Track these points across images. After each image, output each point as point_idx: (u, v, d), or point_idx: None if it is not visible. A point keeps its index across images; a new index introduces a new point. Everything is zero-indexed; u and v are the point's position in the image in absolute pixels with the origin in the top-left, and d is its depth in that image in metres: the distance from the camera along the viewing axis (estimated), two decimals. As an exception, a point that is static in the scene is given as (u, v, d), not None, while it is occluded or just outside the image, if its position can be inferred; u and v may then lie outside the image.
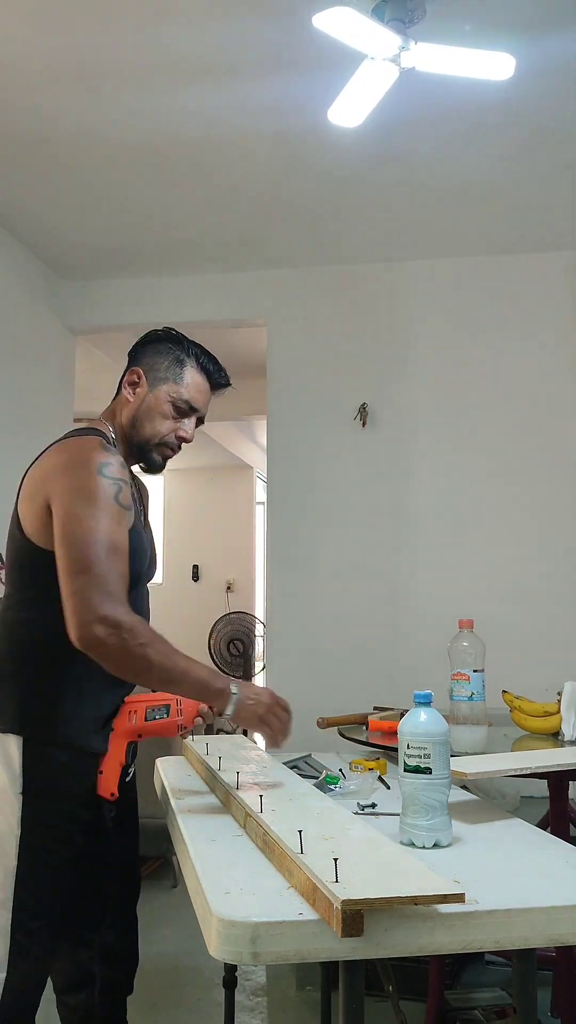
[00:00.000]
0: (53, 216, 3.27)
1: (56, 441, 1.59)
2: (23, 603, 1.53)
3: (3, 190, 3.05)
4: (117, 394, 1.67)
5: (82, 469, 1.48)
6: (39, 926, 1.42)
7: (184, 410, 1.63)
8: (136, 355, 1.67)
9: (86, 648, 1.38)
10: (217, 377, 1.68)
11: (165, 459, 1.66)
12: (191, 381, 1.64)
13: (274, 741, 1.50)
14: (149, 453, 1.64)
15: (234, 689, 1.45)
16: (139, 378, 1.63)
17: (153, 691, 1.51)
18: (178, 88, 2.47)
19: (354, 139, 2.60)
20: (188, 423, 1.64)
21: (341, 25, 1.91)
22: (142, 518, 1.64)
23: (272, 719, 1.48)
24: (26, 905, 1.41)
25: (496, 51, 2.03)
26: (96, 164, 2.88)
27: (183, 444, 1.66)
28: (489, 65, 2.06)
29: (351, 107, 2.22)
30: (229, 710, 1.44)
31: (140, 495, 1.71)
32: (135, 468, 1.68)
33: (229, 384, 1.71)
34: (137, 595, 1.59)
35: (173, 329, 1.69)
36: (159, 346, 1.65)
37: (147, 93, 2.49)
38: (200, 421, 1.68)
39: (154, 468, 1.67)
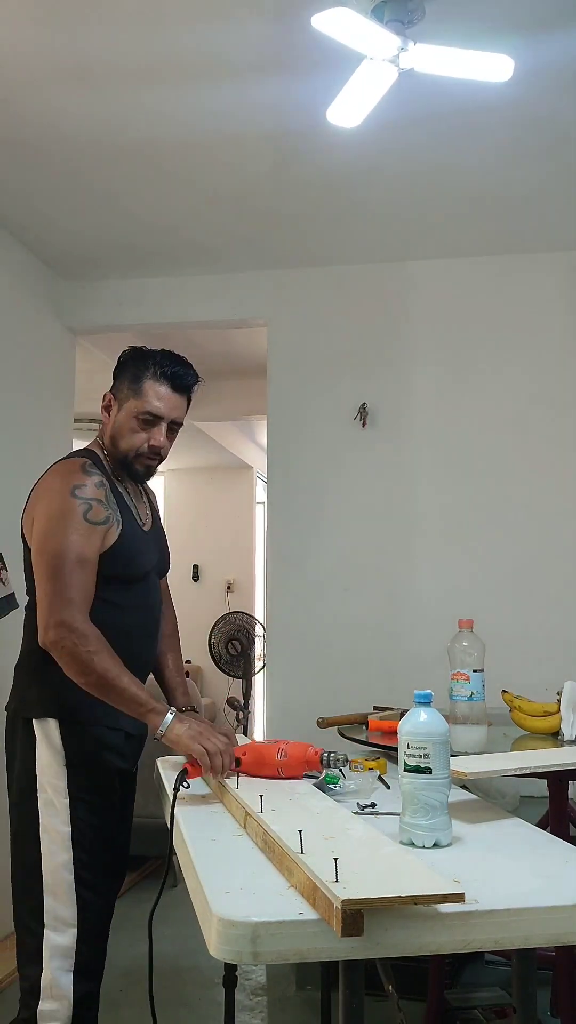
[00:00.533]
0: (53, 216, 3.26)
1: (56, 462, 1.82)
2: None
3: (3, 190, 3.05)
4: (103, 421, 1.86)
5: (57, 492, 1.70)
6: (98, 880, 1.66)
7: (149, 420, 1.78)
8: (113, 379, 1.85)
9: (45, 646, 1.62)
10: (181, 379, 1.80)
11: (147, 468, 1.83)
12: (150, 392, 1.77)
13: (211, 764, 1.56)
14: (131, 466, 1.81)
15: (171, 712, 1.59)
16: (111, 401, 1.82)
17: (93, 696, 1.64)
18: (178, 88, 2.47)
19: (353, 139, 2.60)
20: (157, 431, 1.78)
21: (340, 26, 1.91)
22: (138, 522, 1.84)
23: (207, 741, 1.57)
24: (85, 864, 1.63)
25: (495, 52, 2.03)
26: (96, 164, 2.88)
27: (161, 451, 1.81)
28: (488, 66, 2.06)
29: (350, 107, 2.22)
30: (162, 728, 1.57)
31: (149, 500, 1.95)
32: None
33: (196, 381, 1.83)
34: (143, 589, 1.83)
35: (138, 347, 1.84)
36: (123, 367, 1.83)
37: (147, 93, 2.49)
38: (174, 425, 1.81)
39: (139, 478, 1.86)
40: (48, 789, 1.66)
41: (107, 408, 1.82)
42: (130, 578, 1.78)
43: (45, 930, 1.61)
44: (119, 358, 1.86)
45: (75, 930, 1.62)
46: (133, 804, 1.92)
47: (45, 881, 1.63)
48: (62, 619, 1.60)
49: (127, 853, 1.88)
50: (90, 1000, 1.65)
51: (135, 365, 1.80)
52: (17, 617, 2.99)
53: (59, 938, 1.61)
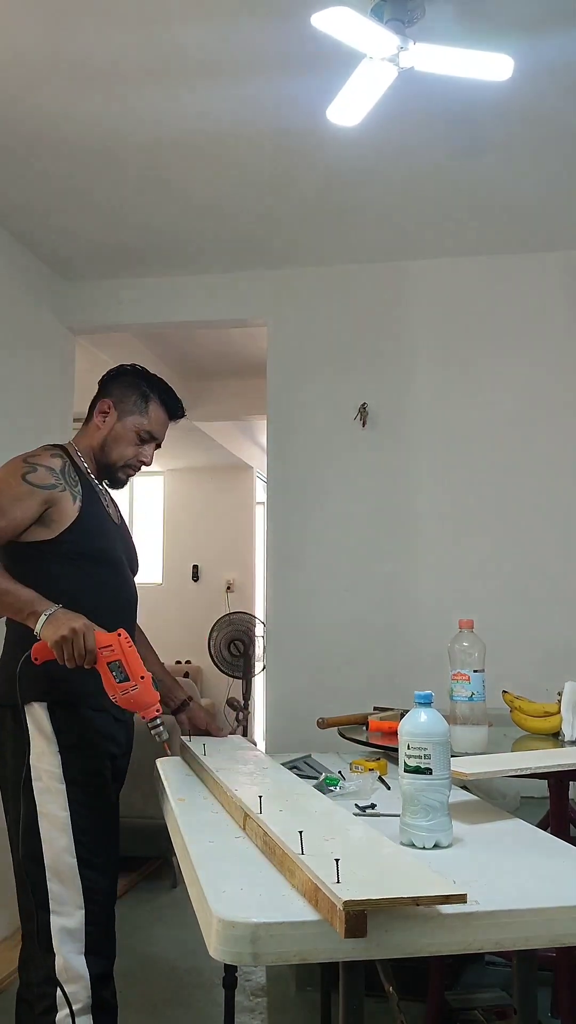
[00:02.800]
0: (53, 216, 3.26)
1: None
2: None
3: (3, 190, 3.05)
4: (87, 421, 1.96)
5: (9, 461, 1.83)
6: (101, 862, 1.69)
7: (146, 439, 1.94)
8: (106, 387, 1.96)
9: None
10: (175, 411, 1.99)
11: (128, 478, 1.97)
12: (154, 415, 1.94)
13: (64, 654, 1.61)
14: (115, 473, 1.94)
15: (49, 610, 1.63)
16: (109, 408, 1.92)
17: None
18: (178, 88, 2.46)
19: (353, 138, 2.59)
20: (148, 449, 1.95)
21: (340, 25, 1.90)
22: (107, 511, 1.92)
23: (69, 644, 1.60)
24: (85, 845, 1.67)
25: (495, 51, 2.03)
26: (96, 164, 2.88)
27: (144, 466, 1.97)
28: (488, 65, 2.06)
29: (350, 107, 2.22)
30: (37, 629, 1.62)
31: (115, 503, 2.02)
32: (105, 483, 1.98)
33: (184, 415, 2.02)
34: (116, 575, 1.87)
35: (140, 366, 1.99)
36: (128, 380, 1.96)
37: (147, 93, 2.49)
38: (157, 446, 1.99)
39: (118, 485, 1.98)
40: (44, 776, 1.70)
41: (103, 414, 1.92)
42: (100, 556, 1.84)
43: (52, 916, 1.64)
44: (119, 369, 1.98)
45: (83, 912, 1.65)
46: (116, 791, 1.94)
47: (48, 867, 1.66)
48: None
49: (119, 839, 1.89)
50: (106, 980, 1.68)
51: (142, 385, 1.95)
52: None
53: (67, 922, 1.64)
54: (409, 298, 3.65)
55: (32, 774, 1.70)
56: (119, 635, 1.66)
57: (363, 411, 3.59)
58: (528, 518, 3.45)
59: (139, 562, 2.05)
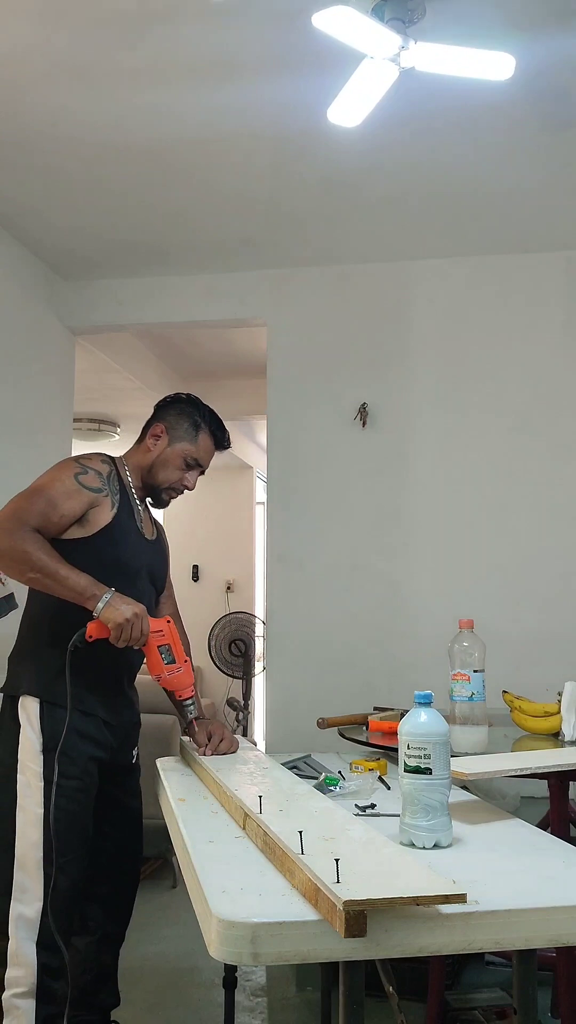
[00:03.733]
0: (53, 216, 3.26)
1: None
2: (37, 594, 1.91)
3: (3, 190, 3.05)
4: (140, 441, 2.08)
5: (62, 460, 1.97)
6: (64, 862, 1.74)
7: (192, 465, 2.05)
8: (161, 412, 2.09)
9: None
10: (222, 442, 2.11)
11: (170, 500, 2.09)
12: (203, 444, 2.06)
13: (120, 635, 1.75)
14: (159, 494, 2.06)
15: (108, 594, 1.75)
16: (162, 433, 2.05)
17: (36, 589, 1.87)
18: (178, 88, 2.46)
19: (354, 139, 2.59)
20: (192, 475, 2.06)
21: (341, 24, 1.90)
22: (139, 526, 2.02)
23: (129, 626, 1.75)
24: (54, 844, 1.72)
25: (496, 51, 2.03)
26: (96, 164, 2.88)
27: (187, 490, 2.09)
28: (489, 65, 2.06)
29: (351, 107, 2.22)
30: (99, 608, 1.74)
31: (153, 520, 2.13)
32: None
33: (230, 447, 2.14)
34: (133, 586, 1.93)
35: (195, 396, 2.11)
36: (182, 408, 2.08)
37: (147, 93, 2.49)
38: (201, 472, 2.10)
39: (160, 505, 2.09)
40: (27, 772, 1.79)
41: (156, 437, 2.05)
42: (115, 565, 1.90)
43: (12, 902, 1.73)
44: (175, 397, 2.11)
45: (40, 904, 1.72)
46: (135, 797, 2.05)
47: (17, 856, 1.75)
48: (8, 525, 1.78)
49: (101, 854, 1.93)
50: (54, 972, 1.74)
51: (194, 414, 2.07)
52: (14, 617, 3.00)
53: (25, 910, 1.73)
54: (409, 298, 3.65)
55: (19, 767, 1.80)
56: (168, 621, 1.88)
57: (363, 411, 3.59)
58: (528, 518, 3.45)
59: (166, 580, 2.19)
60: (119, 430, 6.32)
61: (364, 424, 3.59)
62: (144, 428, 2.10)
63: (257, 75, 2.40)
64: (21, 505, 1.83)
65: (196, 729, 1.99)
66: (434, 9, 2.03)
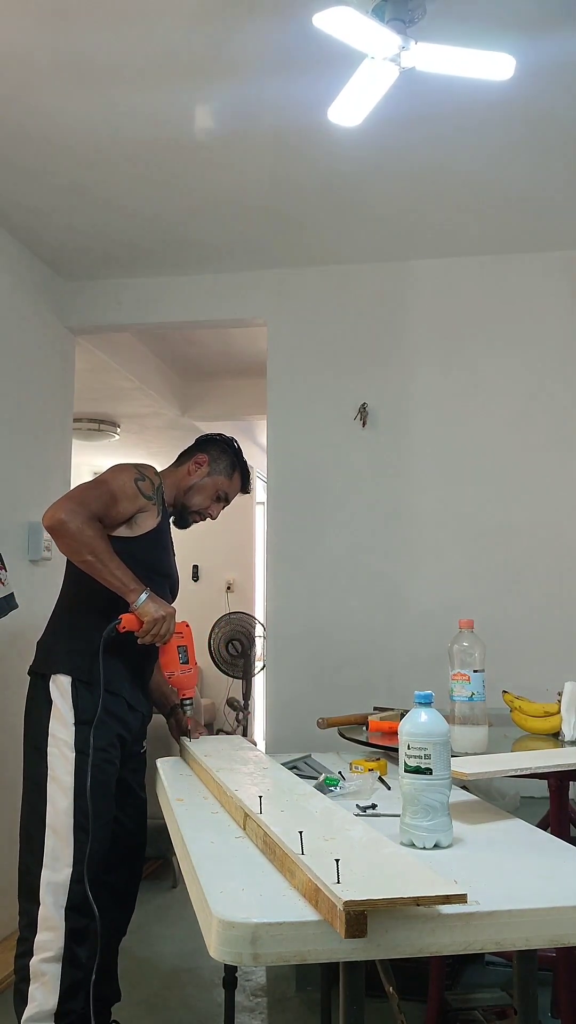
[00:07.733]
0: (53, 216, 3.26)
1: None
2: (71, 577, 2.10)
3: (3, 189, 3.05)
4: (179, 463, 2.32)
5: (123, 464, 2.17)
6: (94, 827, 1.87)
7: (221, 498, 2.33)
8: (205, 445, 2.35)
9: (48, 524, 1.93)
10: (246, 486, 2.40)
11: (194, 523, 2.34)
12: (235, 483, 2.35)
13: (153, 630, 1.94)
14: (187, 516, 2.31)
15: (146, 591, 1.95)
16: (204, 463, 2.30)
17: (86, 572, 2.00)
18: (178, 87, 2.46)
19: (354, 139, 2.59)
20: (218, 506, 2.34)
21: (341, 24, 1.90)
22: (168, 531, 2.25)
23: (162, 623, 1.95)
24: (83, 811, 1.85)
25: (496, 51, 2.03)
26: (96, 164, 2.88)
27: (209, 518, 2.34)
28: (489, 65, 2.06)
29: (351, 107, 2.22)
30: (137, 604, 1.92)
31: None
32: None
33: (249, 492, 2.45)
34: (159, 583, 2.12)
35: (236, 442, 2.40)
36: (226, 448, 2.35)
37: (147, 92, 2.48)
38: (225, 505, 2.37)
39: (181, 526, 2.34)
40: (59, 744, 1.92)
41: (198, 464, 2.29)
42: (156, 566, 2.14)
43: (43, 869, 1.85)
44: (220, 436, 2.38)
45: (70, 870, 1.83)
46: (142, 789, 2.18)
47: (48, 823, 1.87)
48: (76, 508, 1.93)
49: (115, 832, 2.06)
50: (81, 936, 1.83)
51: (234, 457, 2.35)
52: (14, 618, 3.00)
53: (55, 876, 1.84)
54: (409, 298, 3.65)
55: (50, 740, 1.93)
56: (187, 625, 2.13)
57: (363, 411, 3.59)
58: (528, 517, 3.45)
59: (179, 585, 2.37)
60: (119, 430, 6.32)
61: (364, 424, 3.59)
62: (184, 454, 2.34)
63: (257, 75, 2.40)
64: (87, 493, 2.01)
65: (191, 725, 2.20)
66: (434, 9, 2.03)
